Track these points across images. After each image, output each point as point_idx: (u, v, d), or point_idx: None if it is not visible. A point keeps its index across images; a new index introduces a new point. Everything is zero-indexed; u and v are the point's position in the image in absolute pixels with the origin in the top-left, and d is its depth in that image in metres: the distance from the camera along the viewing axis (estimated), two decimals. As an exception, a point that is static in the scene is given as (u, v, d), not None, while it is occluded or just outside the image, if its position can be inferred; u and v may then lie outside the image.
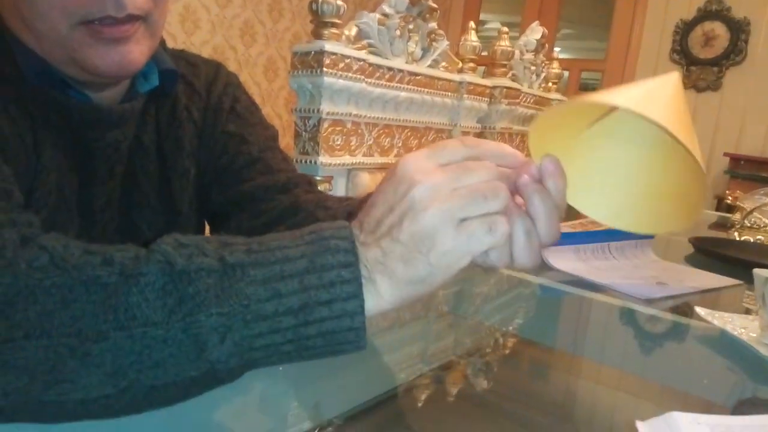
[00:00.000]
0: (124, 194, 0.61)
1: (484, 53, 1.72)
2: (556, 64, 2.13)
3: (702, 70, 3.34)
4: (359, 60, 1.16)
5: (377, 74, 1.24)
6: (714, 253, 1.06)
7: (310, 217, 0.59)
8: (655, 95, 0.35)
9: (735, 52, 3.24)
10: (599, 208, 0.40)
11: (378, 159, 1.32)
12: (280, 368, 0.48)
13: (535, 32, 1.95)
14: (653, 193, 0.40)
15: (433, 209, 0.34)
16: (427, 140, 1.48)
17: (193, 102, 0.65)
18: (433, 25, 1.40)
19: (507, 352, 0.59)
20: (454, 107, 1.53)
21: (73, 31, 0.48)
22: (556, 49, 3.00)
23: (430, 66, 1.43)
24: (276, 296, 0.33)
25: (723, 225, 1.59)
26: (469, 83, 1.54)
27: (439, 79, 1.44)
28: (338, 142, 1.18)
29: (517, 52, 1.81)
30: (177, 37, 3.00)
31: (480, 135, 1.69)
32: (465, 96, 1.54)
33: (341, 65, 1.11)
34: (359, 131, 1.25)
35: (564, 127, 0.40)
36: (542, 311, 0.76)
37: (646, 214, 0.40)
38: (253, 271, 0.33)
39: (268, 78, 3.60)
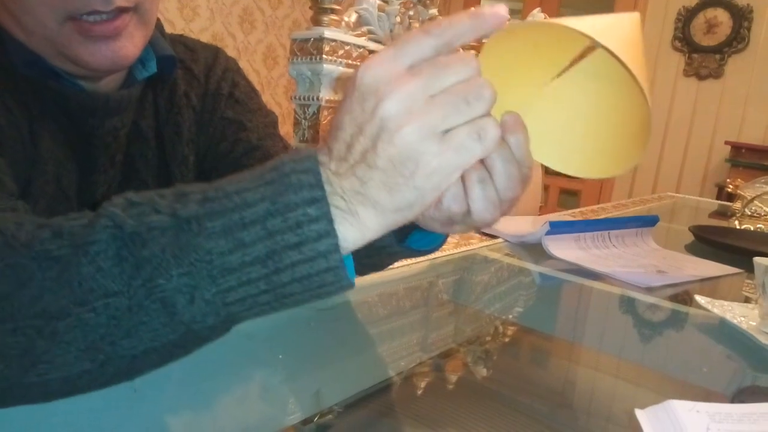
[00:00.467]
0: (124, 182, 0.61)
1: (485, 40, 1.71)
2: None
3: (704, 58, 3.32)
4: (359, 47, 1.15)
5: (377, 61, 1.23)
6: (714, 241, 1.06)
7: None
8: (611, 27, 0.35)
9: (737, 39, 3.22)
10: (551, 156, 0.40)
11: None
12: (281, 356, 0.48)
13: (537, 18, 1.93)
14: (603, 136, 0.40)
15: (409, 126, 0.30)
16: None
17: (191, 88, 0.65)
18: (434, 11, 1.39)
19: (507, 340, 0.59)
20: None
21: (61, 27, 0.47)
22: (558, 36, 2.98)
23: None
24: (239, 246, 0.30)
25: (723, 213, 1.59)
26: (470, 70, 1.53)
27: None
28: (338, 130, 1.17)
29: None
30: (176, 24, 2.98)
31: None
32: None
33: (341, 52, 1.11)
34: (359, 119, 1.24)
35: (518, 72, 0.40)
36: (542, 299, 0.76)
37: (597, 157, 0.40)
38: (210, 222, 0.30)
39: (267, 66, 3.58)
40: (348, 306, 0.61)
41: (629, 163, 0.38)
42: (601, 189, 3.69)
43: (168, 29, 0.65)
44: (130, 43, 0.50)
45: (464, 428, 0.40)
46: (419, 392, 0.45)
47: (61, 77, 0.52)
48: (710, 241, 1.07)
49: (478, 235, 0.98)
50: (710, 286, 0.83)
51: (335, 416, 0.39)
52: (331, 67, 1.09)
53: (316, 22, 1.10)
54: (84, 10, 0.46)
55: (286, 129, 0.99)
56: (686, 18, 3.37)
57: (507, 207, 0.37)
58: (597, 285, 0.78)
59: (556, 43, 0.38)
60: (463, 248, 0.89)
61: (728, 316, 0.63)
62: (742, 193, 1.44)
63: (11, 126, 0.49)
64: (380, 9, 1.23)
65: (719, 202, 2.11)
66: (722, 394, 0.50)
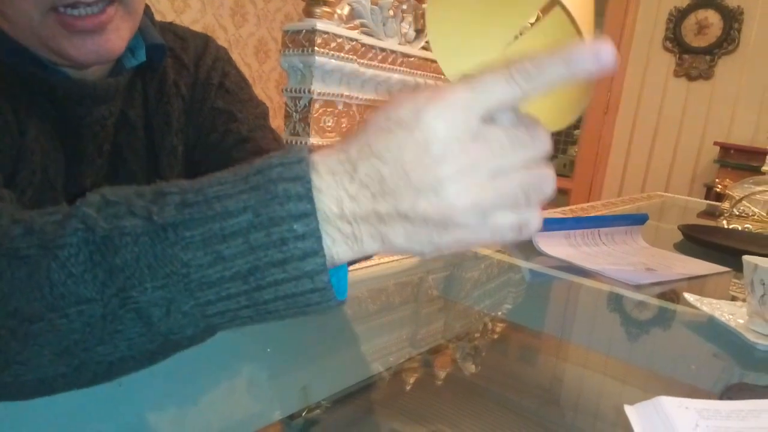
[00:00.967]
0: (111, 172, 0.60)
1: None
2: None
3: (694, 59, 3.34)
4: (351, 40, 1.14)
5: (369, 55, 1.23)
6: (703, 240, 1.07)
7: None
8: None
9: (728, 40, 3.24)
10: None
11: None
12: (269, 349, 0.48)
13: (530, 16, 1.93)
14: (559, 91, 0.41)
15: (461, 200, 0.28)
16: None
17: (181, 77, 0.64)
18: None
19: (496, 336, 0.59)
20: (446, 91, 1.51)
21: (44, 18, 0.46)
22: (550, 34, 2.99)
23: (423, 48, 1.41)
24: (219, 260, 0.28)
25: (712, 213, 1.60)
26: (463, 67, 1.53)
27: (432, 61, 1.43)
28: (329, 124, 1.16)
29: (511, 36, 1.80)
30: (166, 15, 2.95)
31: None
32: (458, 79, 1.52)
33: (333, 45, 1.10)
34: (350, 113, 1.24)
35: (477, 35, 0.40)
36: (531, 296, 0.76)
37: (555, 112, 0.41)
38: (188, 231, 0.28)
39: (258, 59, 3.55)
40: (337, 300, 0.60)
41: (579, 111, 0.39)
42: (590, 187, 3.71)
43: (158, 20, 0.63)
44: (116, 36, 0.49)
45: (452, 424, 0.40)
46: (408, 388, 0.44)
47: (46, 66, 0.51)
48: (699, 240, 1.07)
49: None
50: (698, 284, 0.83)
51: (323, 411, 0.39)
52: (323, 60, 1.08)
53: (309, 14, 1.09)
54: (67, 1, 0.45)
55: (277, 123, 0.98)
56: (677, 19, 3.38)
57: None
58: (586, 282, 0.78)
59: (512, 4, 0.39)
60: (454, 244, 0.89)
61: (716, 314, 0.64)
62: (731, 193, 1.45)
63: None
64: (373, 2, 1.23)
65: (708, 201, 2.13)
66: (710, 391, 0.50)
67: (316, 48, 1.06)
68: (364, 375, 0.45)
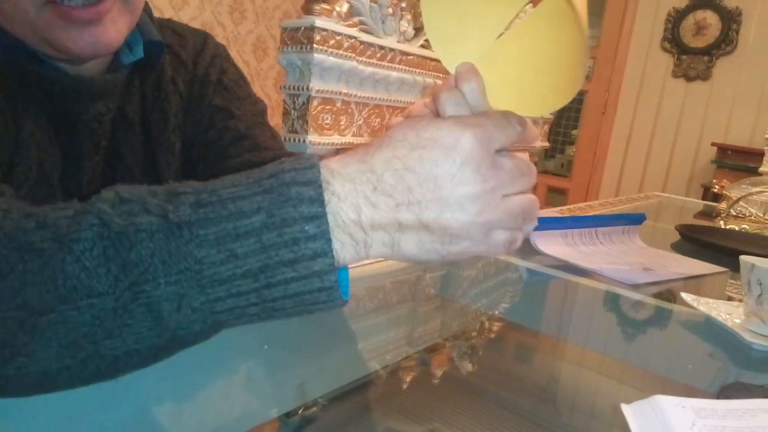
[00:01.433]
0: (108, 169, 0.60)
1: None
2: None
3: (693, 59, 3.34)
4: (350, 37, 1.14)
5: (368, 52, 1.23)
6: (700, 240, 1.07)
7: None
8: None
9: (726, 41, 3.24)
10: (508, 102, 0.40)
11: (367, 139, 1.31)
12: (265, 346, 0.48)
13: (529, 16, 1.93)
14: (551, 73, 0.42)
15: (478, 218, 0.33)
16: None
17: (179, 73, 0.64)
18: (426, 4, 1.38)
19: (493, 335, 0.59)
20: (445, 89, 1.51)
21: (41, 12, 0.45)
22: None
23: (422, 46, 1.41)
24: (231, 258, 0.29)
25: (709, 214, 1.60)
26: (461, 65, 1.52)
27: (431, 59, 1.43)
28: (327, 121, 1.16)
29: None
30: (165, 12, 2.94)
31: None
32: (456, 78, 1.52)
33: (332, 42, 1.10)
34: (349, 110, 1.24)
35: (471, 24, 0.41)
36: (529, 295, 0.76)
37: (548, 95, 0.41)
38: (203, 230, 0.29)
39: (257, 57, 3.54)
40: (334, 298, 0.60)
41: (573, 93, 0.40)
42: (588, 187, 3.71)
43: (156, 17, 0.63)
44: (113, 29, 0.49)
45: (449, 423, 0.40)
46: (404, 386, 0.44)
47: (43, 61, 0.51)
48: (696, 240, 1.07)
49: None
50: (695, 284, 0.83)
51: (320, 409, 0.39)
52: (322, 57, 1.08)
53: (307, 11, 1.09)
54: None
55: (275, 120, 0.98)
56: (676, 19, 3.39)
57: None
58: (583, 281, 0.78)
59: None
60: (451, 243, 0.89)
61: (713, 314, 0.64)
62: (728, 194, 1.45)
63: None
64: (372, 0, 1.22)
65: (705, 202, 2.13)
66: (707, 390, 0.50)
67: (314, 45, 1.06)
68: (361, 373, 0.45)
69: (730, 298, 0.76)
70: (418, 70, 1.39)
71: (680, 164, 3.42)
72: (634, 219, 1.05)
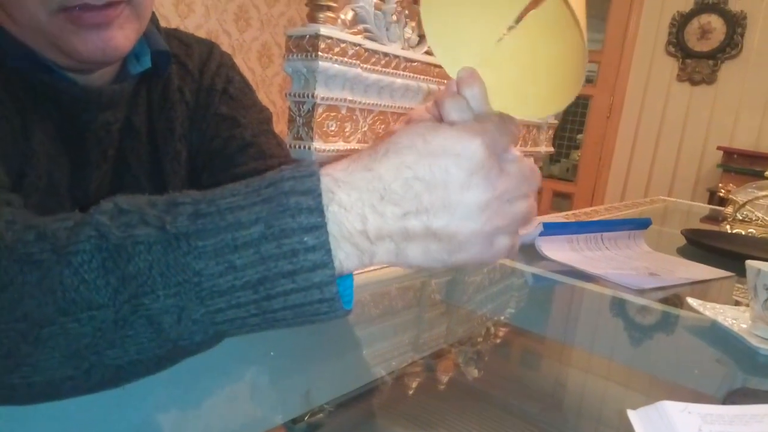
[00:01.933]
0: (115, 178, 0.60)
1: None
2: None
3: (697, 63, 3.34)
4: (355, 45, 1.15)
5: (373, 60, 1.23)
6: (706, 245, 1.06)
7: None
8: None
9: (731, 45, 3.24)
10: (509, 105, 0.40)
11: (372, 146, 1.31)
12: (272, 353, 0.48)
13: None
14: (552, 76, 0.42)
15: (484, 227, 0.33)
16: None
17: (185, 83, 0.64)
18: (430, 11, 1.39)
19: (498, 341, 0.59)
20: (449, 95, 1.51)
21: (52, 18, 0.46)
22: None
23: (426, 52, 1.42)
24: (230, 270, 0.29)
25: (715, 218, 1.60)
26: (466, 71, 1.53)
27: (435, 65, 1.43)
28: (332, 128, 1.17)
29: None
30: (171, 20, 2.96)
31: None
32: (461, 84, 1.52)
33: (336, 50, 1.10)
34: (354, 117, 1.24)
35: (471, 27, 0.41)
36: (534, 301, 0.76)
37: (549, 97, 0.42)
38: (201, 242, 0.29)
39: (262, 64, 3.56)
40: (340, 304, 0.61)
41: (573, 94, 0.40)
42: (593, 192, 3.70)
43: (162, 25, 0.64)
44: (122, 35, 0.50)
45: (455, 429, 0.40)
46: (410, 392, 0.45)
47: (53, 71, 0.51)
48: (702, 245, 1.07)
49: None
50: (701, 289, 0.83)
51: (326, 415, 0.39)
52: (327, 65, 1.09)
53: (312, 18, 1.09)
54: (75, 2, 0.45)
55: (280, 128, 0.99)
56: (680, 23, 3.38)
57: None
58: (589, 287, 0.78)
59: None
60: (457, 248, 0.89)
61: (720, 319, 0.64)
62: (734, 198, 1.45)
63: (3, 119, 0.48)
64: (377, 7, 1.23)
65: (711, 206, 2.12)
66: (713, 396, 0.50)
67: (319, 53, 1.06)
68: (366, 379, 0.45)
69: (736, 303, 0.76)
70: (422, 77, 1.39)
71: (686, 168, 3.41)
72: (640, 224, 1.04)
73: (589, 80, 3.62)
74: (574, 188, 3.80)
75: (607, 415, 0.46)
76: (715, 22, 3.28)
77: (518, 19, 0.41)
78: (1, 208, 0.34)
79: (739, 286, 0.86)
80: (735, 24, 3.21)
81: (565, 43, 0.40)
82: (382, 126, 1.33)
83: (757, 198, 1.38)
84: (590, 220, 1.31)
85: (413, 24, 1.36)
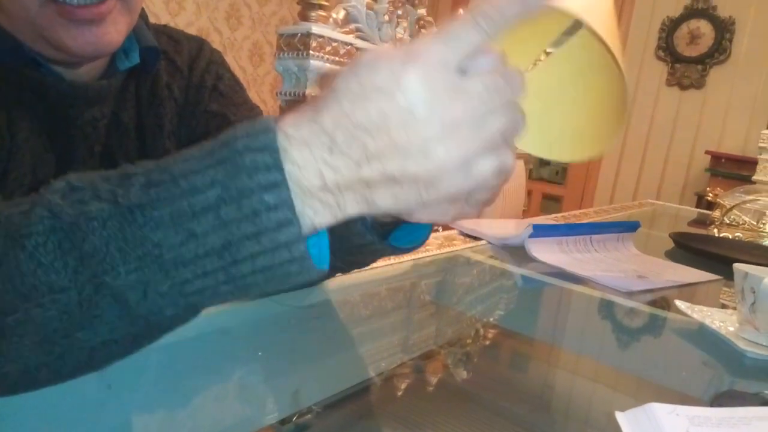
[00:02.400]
0: (102, 174, 0.59)
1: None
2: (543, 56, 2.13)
3: (686, 68, 3.37)
4: (346, 44, 1.15)
5: (364, 60, 1.23)
6: (694, 248, 1.07)
7: None
8: (591, 5, 0.35)
9: (719, 50, 3.27)
10: (534, 144, 0.39)
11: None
12: (260, 353, 0.48)
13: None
14: (583, 117, 0.40)
15: (452, 159, 0.29)
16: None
17: (174, 79, 0.64)
18: (422, 11, 1.39)
19: (487, 342, 0.59)
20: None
21: (42, 9, 0.45)
22: (544, 42, 3.00)
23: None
24: (191, 238, 0.28)
25: (702, 222, 1.61)
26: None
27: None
28: (323, 128, 1.16)
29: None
30: (161, 18, 2.95)
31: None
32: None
33: (328, 48, 1.10)
34: (345, 117, 1.24)
35: None
36: (523, 302, 0.76)
37: (578, 140, 0.40)
38: (157, 211, 0.28)
39: (253, 63, 3.55)
40: (329, 305, 0.60)
41: (609, 142, 0.38)
42: (582, 195, 3.72)
43: (152, 22, 0.63)
44: (114, 30, 0.49)
45: (444, 430, 0.39)
46: (399, 393, 0.44)
47: (40, 65, 0.51)
48: (690, 248, 1.08)
49: (461, 237, 0.98)
50: (689, 291, 0.83)
51: (314, 416, 0.39)
52: (318, 63, 1.09)
53: (304, 17, 1.09)
54: None
55: (270, 125, 0.98)
56: (670, 28, 3.42)
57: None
58: (578, 288, 0.78)
59: (531, 28, 0.38)
60: (446, 249, 0.89)
61: (707, 322, 0.64)
62: (722, 202, 1.46)
63: None
64: (369, 7, 1.23)
65: (699, 210, 2.14)
66: (700, 398, 0.50)
67: (311, 51, 1.06)
68: (355, 380, 0.45)
69: (723, 306, 0.76)
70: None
71: (674, 172, 3.44)
72: (629, 227, 1.05)
73: (579, 83, 3.64)
74: (564, 191, 3.82)
75: (595, 417, 0.46)
76: (704, 27, 3.32)
77: (540, 59, 0.39)
78: None
79: (727, 289, 0.87)
80: (723, 29, 3.25)
81: (595, 84, 0.38)
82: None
83: (745, 202, 1.40)
84: (579, 222, 1.31)
85: (405, 24, 1.36)
